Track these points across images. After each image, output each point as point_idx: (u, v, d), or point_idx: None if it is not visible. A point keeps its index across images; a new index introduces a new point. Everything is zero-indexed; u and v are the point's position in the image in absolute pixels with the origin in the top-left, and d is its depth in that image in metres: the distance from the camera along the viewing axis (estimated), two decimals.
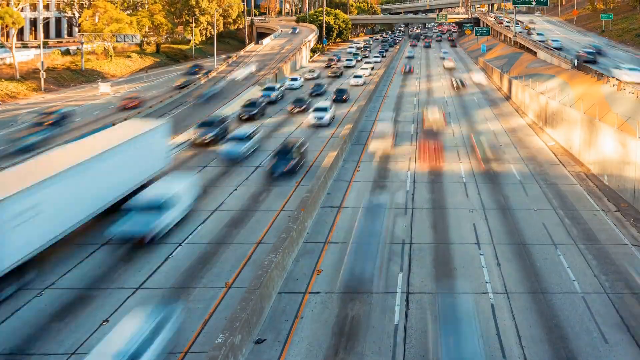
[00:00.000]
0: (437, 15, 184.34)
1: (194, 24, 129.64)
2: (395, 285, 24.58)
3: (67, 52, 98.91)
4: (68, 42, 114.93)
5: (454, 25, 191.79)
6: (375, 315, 22.33)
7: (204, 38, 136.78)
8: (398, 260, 27.00)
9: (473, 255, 27.53)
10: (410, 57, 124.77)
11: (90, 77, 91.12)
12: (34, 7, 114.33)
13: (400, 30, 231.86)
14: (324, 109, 57.81)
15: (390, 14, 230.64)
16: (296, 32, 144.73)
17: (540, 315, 22.32)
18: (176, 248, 28.31)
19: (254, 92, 73.63)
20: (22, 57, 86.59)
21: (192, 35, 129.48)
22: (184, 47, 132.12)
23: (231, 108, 64.01)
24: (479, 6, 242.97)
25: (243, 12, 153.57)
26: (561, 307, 22.85)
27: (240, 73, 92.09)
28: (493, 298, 23.53)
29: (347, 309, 22.77)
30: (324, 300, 23.41)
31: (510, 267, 26.27)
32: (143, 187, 32.57)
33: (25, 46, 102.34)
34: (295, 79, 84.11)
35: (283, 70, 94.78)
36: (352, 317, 22.14)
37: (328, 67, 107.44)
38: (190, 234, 30.02)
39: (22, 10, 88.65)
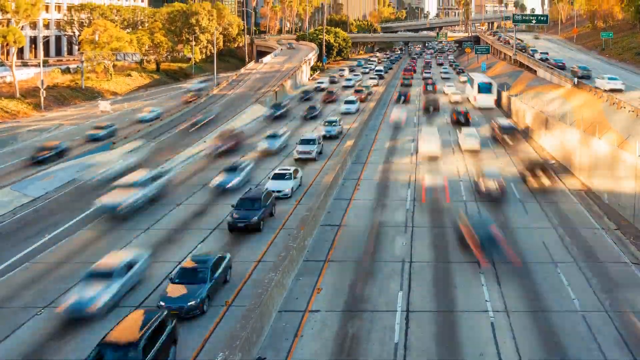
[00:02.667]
0: (437, 33, 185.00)
1: (194, 43, 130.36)
2: (395, 304, 24.53)
3: (67, 71, 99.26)
4: (68, 60, 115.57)
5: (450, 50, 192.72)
6: (375, 333, 22.25)
7: (204, 56, 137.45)
8: (398, 278, 26.96)
9: (473, 273, 27.48)
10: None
11: (90, 95, 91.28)
12: (34, 25, 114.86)
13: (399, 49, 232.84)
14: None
15: (390, 32, 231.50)
16: (292, 46, 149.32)
17: (540, 333, 22.24)
18: (175, 267, 28.29)
19: (255, 111, 74.07)
20: (22, 76, 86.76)
21: (192, 54, 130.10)
22: (183, 65, 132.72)
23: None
24: (479, 24, 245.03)
25: (243, 30, 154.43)
26: (561, 325, 22.77)
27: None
28: (493, 316, 23.47)
29: (347, 327, 22.70)
30: (323, 319, 23.36)
31: (510, 285, 26.20)
32: None
33: (25, 65, 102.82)
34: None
35: (285, 87, 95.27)
36: (352, 336, 22.06)
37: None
38: (190, 251, 30.05)
39: (22, 28, 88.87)
